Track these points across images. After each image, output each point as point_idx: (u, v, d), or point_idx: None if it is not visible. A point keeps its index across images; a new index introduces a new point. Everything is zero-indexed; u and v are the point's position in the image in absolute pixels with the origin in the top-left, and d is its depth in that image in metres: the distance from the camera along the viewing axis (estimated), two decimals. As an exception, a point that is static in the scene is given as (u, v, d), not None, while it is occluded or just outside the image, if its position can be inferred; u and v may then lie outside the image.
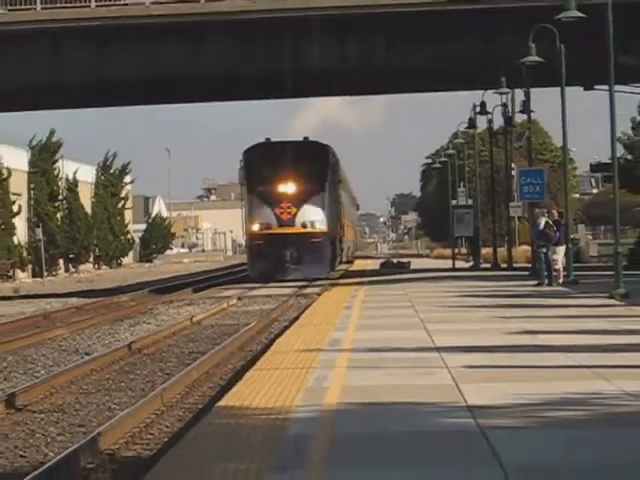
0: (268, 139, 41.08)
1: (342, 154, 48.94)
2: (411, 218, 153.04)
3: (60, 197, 68.49)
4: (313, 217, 39.58)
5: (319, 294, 29.26)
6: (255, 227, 39.61)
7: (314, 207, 39.62)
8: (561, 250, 28.45)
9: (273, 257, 38.72)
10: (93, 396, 14.08)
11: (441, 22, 34.17)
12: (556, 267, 28.34)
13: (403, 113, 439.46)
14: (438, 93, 63.03)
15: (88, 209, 73.00)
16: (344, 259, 53.68)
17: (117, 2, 34.08)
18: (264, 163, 39.95)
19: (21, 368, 17.30)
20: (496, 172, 50.40)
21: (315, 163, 40.22)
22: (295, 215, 39.37)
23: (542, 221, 28.37)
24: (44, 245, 56.89)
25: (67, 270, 69.36)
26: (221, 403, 10.33)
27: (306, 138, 41.66)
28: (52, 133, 67.19)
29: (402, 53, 34.71)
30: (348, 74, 35.70)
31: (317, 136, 56.52)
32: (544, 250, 28.07)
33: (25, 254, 61.32)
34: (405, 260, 56.73)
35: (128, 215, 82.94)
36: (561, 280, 28.30)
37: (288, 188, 39.56)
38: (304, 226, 39.38)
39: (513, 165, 45.96)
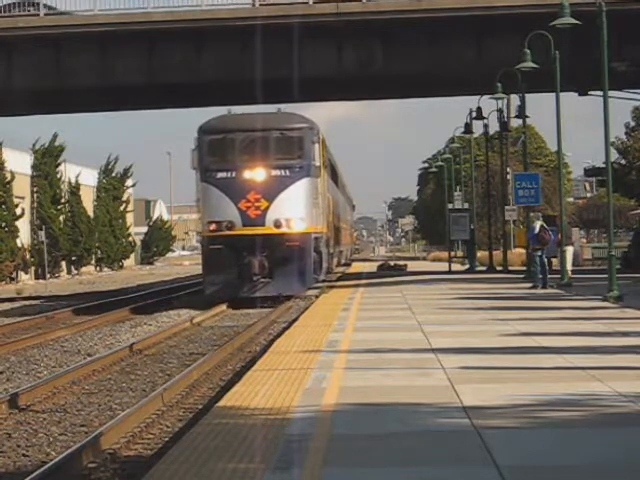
0: (229, 111, 31.73)
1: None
2: (408, 221, 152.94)
3: (63, 200, 68.75)
4: (290, 213, 29.41)
5: (317, 296, 29.39)
6: (211, 227, 29.58)
7: (292, 200, 29.55)
8: (570, 251, 28.69)
9: (236, 268, 29.05)
10: (95, 396, 14.16)
11: (437, 29, 34.36)
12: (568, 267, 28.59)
13: (403, 117, 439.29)
14: (435, 98, 63.21)
15: (90, 212, 73.21)
16: (332, 268, 42.77)
17: (118, 8, 34.27)
18: (224, 142, 30.02)
19: (24, 369, 17.44)
20: (492, 176, 50.53)
21: (293, 141, 30.14)
22: (266, 210, 29.28)
23: (537, 225, 28.59)
24: (47, 247, 57.12)
25: (69, 272, 69.51)
26: (221, 403, 10.38)
27: (279, 110, 31.93)
28: (55, 137, 67.54)
29: (399, 59, 34.84)
30: (346, 80, 35.82)
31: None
32: (539, 253, 28.25)
33: (28, 256, 61.55)
34: (402, 263, 56.86)
35: (129, 218, 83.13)
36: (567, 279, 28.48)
37: (257, 174, 29.50)
38: (278, 225, 29.31)
39: (508, 169, 46.20)
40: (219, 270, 29.15)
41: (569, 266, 28.59)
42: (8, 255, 57.30)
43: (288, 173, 29.78)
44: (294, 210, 29.57)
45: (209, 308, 28.04)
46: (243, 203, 29.37)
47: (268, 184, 29.45)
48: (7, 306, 35.17)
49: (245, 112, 32.63)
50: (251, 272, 29.01)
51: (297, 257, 29.31)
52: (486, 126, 46.60)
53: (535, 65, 28.92)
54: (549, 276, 28.69)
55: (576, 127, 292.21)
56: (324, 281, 36.27)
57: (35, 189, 65.64)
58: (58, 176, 67.79)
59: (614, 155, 54.69)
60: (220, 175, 29.69)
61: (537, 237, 28.28)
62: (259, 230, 29.15)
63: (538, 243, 28.29)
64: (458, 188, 64.61)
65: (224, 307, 29.01)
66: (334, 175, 44.14)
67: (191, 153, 30.24)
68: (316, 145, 30.61)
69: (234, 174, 29.62)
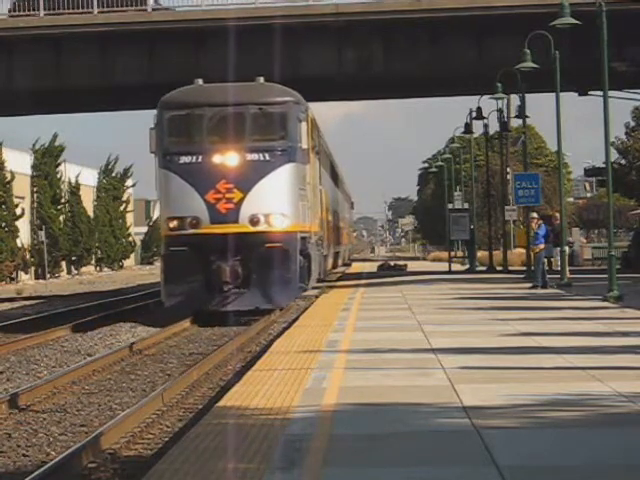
0: (198, 81, 26.09)
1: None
2: (408, 221, 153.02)
3: (63, 200, 68.88)
4: (270, 207, 24.33)
5: (317, 296, 29.39)
6: (171, 224, 24.43)
7: (272, 190, 24.40)
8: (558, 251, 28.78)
9: (202, 275, 23.92)
10: (95, 396, 14.17)
11: (437, 29, 34.40)
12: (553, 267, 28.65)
13: (402, 117, 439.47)
14: (435, 98, 63.44)
15: (90, 212, 73.32)
16: (326, 273, 36.82)
17: (119, 8, 34.27)
18: (189, 119, 24.95)
19: (24, 369, 17.45)
20: (492, 176, 50.56)
21: (274, 118, 24.99)
22: (239, 204, 24.07)
23: (542, 224, 28.71)
24: (47, 247, 57.24)
25: (69, 272, 69.60)
26: (221, 403, 10.39)
27: (258, 80, 25.87)
28: (55, 137, 67.68)
29: (399, 59, 34.89)
30: (346, 80, 35.85)
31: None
32: (544, 253, 28.33)
33: (28, 256, 61.68)
34: (402, 263, 56.89)
35: (129, 218, 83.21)
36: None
37: (228, 159, 24.23)
38: (255, 222, 24.14)
39: (508, 169, 46.23)
40: (181, 278, 23.88)
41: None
42: (8, 255, 57.39)
43: (268, 157, 24.46)
44: (275, 203, 24.35)
45: (168, 325, 23.02)
46: (211, 194, 24.06)
47: (243, 171, 24.14)
48: (7, 306, 35.18)
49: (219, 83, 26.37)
50: (221, 280, 23.70)
51: (279, 262, 24.05)
52: (486, 126, 46.67)
53: (535, 65, 28.95)
54: (549, 276, 28.71)
55: (576, 127, 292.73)
56: (324, 281, 35.87)
57: (35, 189, 65.79)
58: (58, 176, 67.92)
59: (614, 155, 54.72)
60: (183, 160, 24.39)
61: (546, 237, 28.31)
62: (231, 228, 23.93)
63: (546, 242, 28.31)
64: (458, 188, 64.65)
65: (187, 323, 23.85)
66: (328, 165, 38.97)
67: (149, 133, 24.74)
68: (303, 124, 25.16)
69: (200, 158, 24.30)
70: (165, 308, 24.64)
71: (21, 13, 34.38)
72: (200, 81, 25.97)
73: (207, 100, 24.86)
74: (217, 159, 24.27)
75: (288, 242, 24.37)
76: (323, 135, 35.30)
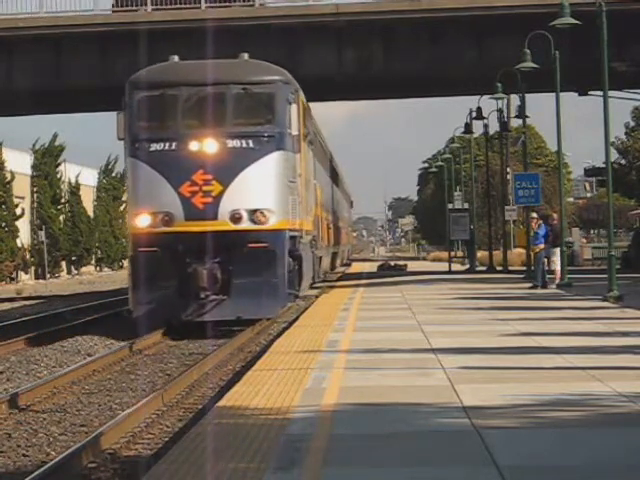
0: (174, 57, 23.71)
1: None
2: (408, 221, 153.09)
3: (63, 200, 68.92)
4: (254, 201, 21.45)
5: (317, 296, 29.39)
6: (142, 221, 21.45)
7: (256, 182, 21.51)
8: (558, 251, 28.73)
9: (176, 280, 20.98)
10: (95, 396, 14.19)
11: (437, 29, 34.41)
12: (555, 268, 28.61)
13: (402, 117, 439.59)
14: (435, 98, 63.50)
15: (90, 212, 73.34)
16: (321, 276, 33.40)
17: (119, 8, 34.31)
18: (162, 100, 21.92)
19: (24, 369, 17.46)
20: (492, 176, 50.61)
21: (260, 100, 22.17)
22: (219, 198, 21.18)
23: (542, 224, 28.72)
24: (47, 247, 57.27)
25: (69, 272, 69.64)
26: (221, 403, 10.39)
27: (242, 56, 23.44)
28: (55, 137, 67.75)
29: (399, 59, 34.91)
30: (346, 80, 35.86)
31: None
32: (544, 253, 28.34)
33: (28, 256, 61.75)
34: (402, 263, 56.94)
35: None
36: (557, 281, 28.52)
37: (207, 146, 21.37)
38: (236, 219, 21.24)
39: (508, 169, 46.25)
40: (152, 283, 20.92)
41: (558, 267, 28.61)
42: (8, 255, 57.45)
43: (252, 144, 21.52)
44: (260, 197, 21.48)
45: (135, 337, 20.06)
46: (187, 187, 21.14)
47: (223, 160, 21.23)
48: (7, 306, 35.20)
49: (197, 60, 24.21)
50: (198, 286, 20.74)
51: (264, 265, 21.09)
52: (486, 126, 46.71)
53: (535, 65, 28.97)
54: (548, 276, 28.72)
55: (576, 127, 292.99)
56: (324, 281, 35.64)
57: (35, 189, 65.85)
58: (58, 176, 67.98)
59: (614, 155, 54.78)
60: (154, 147, 21.44)
61: (546, 237, 28.31)
62: (209, 226, 21.03)
63: (546, 242, 28.32)
64: (458, 188, 64.69)
65: (159, 336, 20.90)
66: (324, 158, 35.75)
67: (117, 117, 21.88)
68: (293, 106, 22.28)
69: (174, 145, 21.39)
70: (134, 318, 21.30)
71: (22, 12, 34.39)
72: (176, 58, 23.46)
73: (183, 79, 21.96)
74: (193, 146, 21.33)
75: (275, 242, 21.44)
76: (317, 124, 32.40)
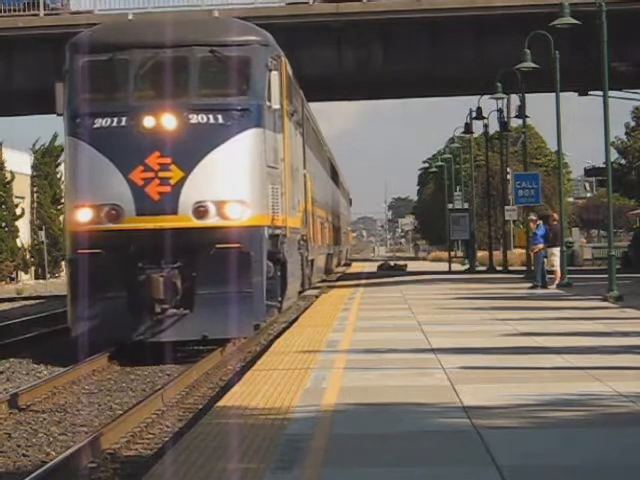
0: (128, 15, 20.54)
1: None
2: (408, 221, 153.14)
3: (63, 200, 68.95)
4: (224, 191, 17.16)
5: (317, 296, 29.40)
6: (82, 216, 17.17)
7: (226, 167, 17.17)
8: (557, 251, 28.75)
9: (125, 290, 16.78)
10: (95, 396, 14.18)
11: (437, 29, 34.42)
12: (554, 269, 28.63)
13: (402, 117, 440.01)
14: (435, 98, 63.78)
15: (90, 212, 73.43)
16: (311, 282, 28.69)
17: (118, 8, 34.34)
18: (109, 66, 17.68)
19: (24, 369, 17.45)
20: (492, 176, 50.63)
21: (231, 65, 17.60)
22: (179, 186, 16.90)
23: (541, 224, 28.73)
24: (47, 247, 57.25)
25: (68, 272, 69.71)
26: (221, 403, 10.39)
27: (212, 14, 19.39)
28: (55, 137, 67.77)
29: (399, 59, 34.92)
30: (346, 80, 35.87)
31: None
32: (544, 253, 28.36)
33: (28, 256, 61.77)
34: (402, 263, 56.97)
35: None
36: (557, 282, 28.54)
37: (164, 122, 17.05)
38: (200, 213, 17.01)
39: (508, 169, 46.26)
40: (95, 294, 16.61)
41: (558, 267, 28.63)
42: (8, 255, 57.48)
43: (221, 120, 17.16)
44: (231, 186, 17.16)
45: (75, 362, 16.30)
46: (139, 173, 16.85)
47: (185, 139, 16.95)
48: (7, 306, 35.21)
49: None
50: (153, 297, 16.51)
51: (236, 270, 16.67)
52: (486, 126, 46.73)
53: (535, 65, 28.98)
54: (548, 276, 28.73)
55: (576, 127, 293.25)
56: (324, 281, 35.51)
57: (35, 189, 65.89)
58: (58, 176, 67.97)
59: (614, 155, 54.81)
60: (99, 123, 17.20)
61: (545, 237, 28.32)
62: (167, 222, 16.80)
63: (546, 242, 28.33)
64: (458, 188, 64.72)
65: (104, 360, 17.07)
66: (318, 146, 31.45)
67: (55, 88, 17.66)
68: (274, 74, 17.90)
69: (124, 121, 17.12)
70: (72, 337, 17.05)
71: (22, 13, 34.39)
72: (130, 16, 19.92)
73: (136, 40, 17.60)
74: (148, 122, 16.98)
75: (249, 242, 17.05)
76: (311, 109, 27.98)
